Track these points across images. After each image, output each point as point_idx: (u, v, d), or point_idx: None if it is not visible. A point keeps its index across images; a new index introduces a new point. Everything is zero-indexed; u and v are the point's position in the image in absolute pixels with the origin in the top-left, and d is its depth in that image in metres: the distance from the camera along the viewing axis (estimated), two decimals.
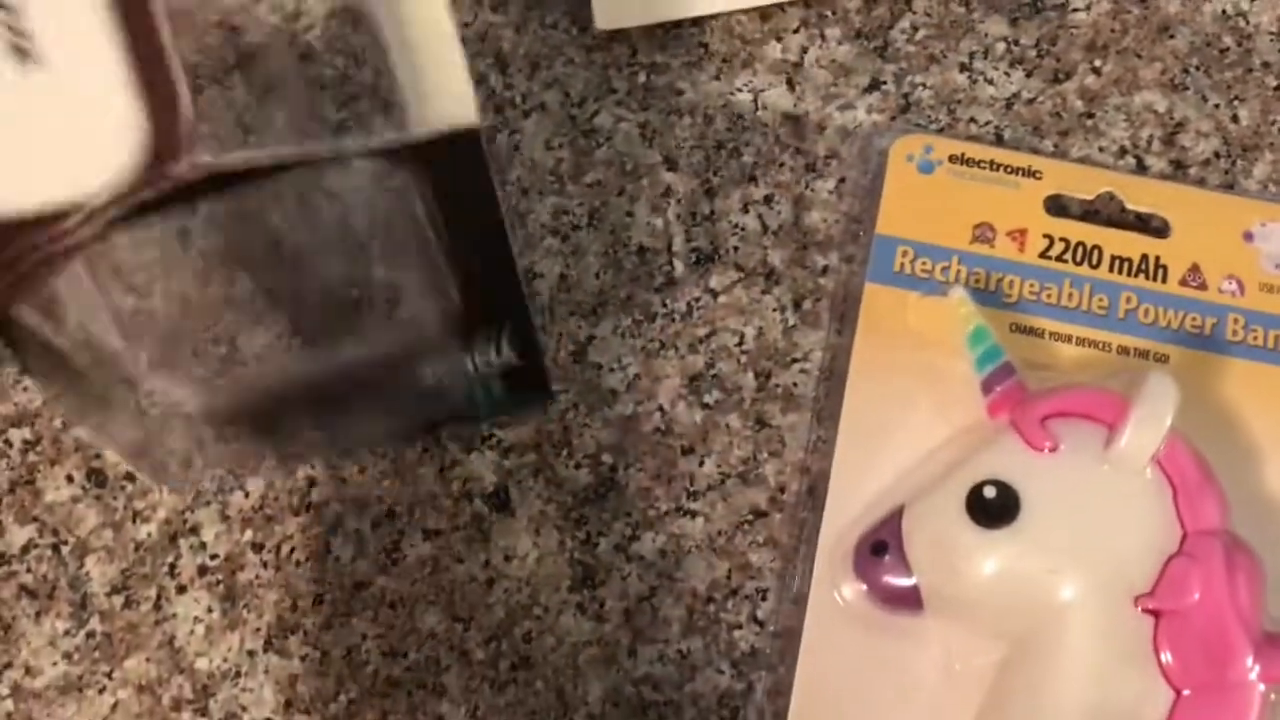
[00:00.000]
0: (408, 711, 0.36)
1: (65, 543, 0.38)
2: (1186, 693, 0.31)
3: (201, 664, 0.37)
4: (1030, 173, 0.39)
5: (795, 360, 0.38)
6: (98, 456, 0.38)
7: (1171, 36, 0.41)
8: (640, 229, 0.40)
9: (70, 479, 0.38)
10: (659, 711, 0.36)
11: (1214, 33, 0.41)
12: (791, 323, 0.39)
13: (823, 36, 0.41)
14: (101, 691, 0.37)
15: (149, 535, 0.38)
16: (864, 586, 0.34)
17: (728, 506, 0.37)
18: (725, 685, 0.36)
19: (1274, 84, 0.40)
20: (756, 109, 0.40)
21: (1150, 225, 0.39)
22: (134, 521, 0.38)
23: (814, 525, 0.36)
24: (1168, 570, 0.32)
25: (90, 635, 0.37)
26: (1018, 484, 0.33)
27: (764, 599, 0.37)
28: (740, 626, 0.37)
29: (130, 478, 0.38)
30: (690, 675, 0.36)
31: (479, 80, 0.40)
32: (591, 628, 0.37)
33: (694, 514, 0.37)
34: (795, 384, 0.38)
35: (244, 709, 0.37)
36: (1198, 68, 0.40)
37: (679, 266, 0.39)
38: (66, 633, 0.37)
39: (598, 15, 0.40)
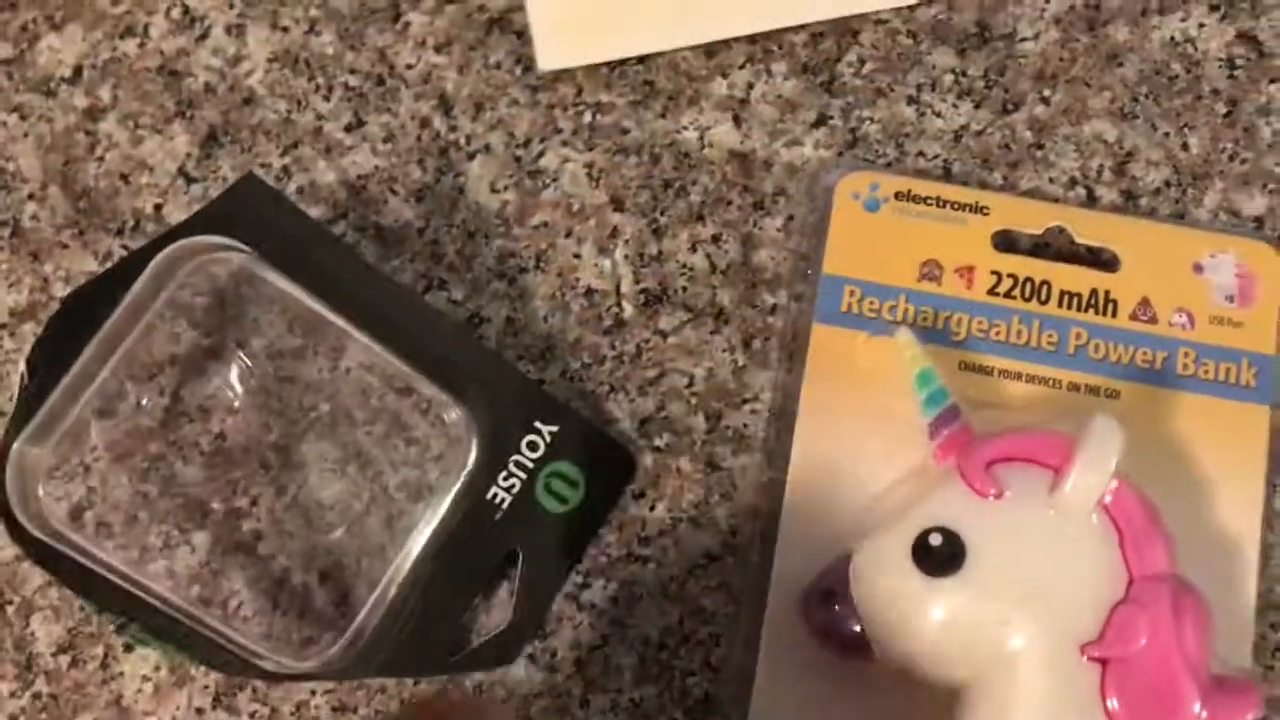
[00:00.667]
0: None
1: (10, 602, 0.37)
2: None
3: None
4: (978, 208, 0.39)
5: (745, 400, 0.38)
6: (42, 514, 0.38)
7: (1120, 65, 0.40)
8: (588, 270, 0.39)
9: None
10: None
11: (1163, 60, 0.40)
12: (741, 363, 0.38)
13: (769, 72, 0.40)
14: None
15: None
16: (814, 634, 0.34)
17: (679, 551, 0.37)
18: None
19: (1224, 111, 0.40)
20: (703, 147, 0.40)
21: (1100, 259, 0.38)
22: None
23: (766, 568, 0.36)
24: (1114, 617, 0.32)
25: (36, 696, 0.37)
26: (964, 531, 0.33)
27: (718, 644, 0.36)
28: (694, 673, 0.36)
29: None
30: None
31: (423, 123, 0.40)
32: (543, 678, 0.36)
33: (645, 560, 0.37)
34: (745, 425, 0.38)
35: None
36: (1147, 96, 0.40)
37: (628, 308, 0.39)
38: (12, 694, 0.37)
39: (540, 56, 0.40)
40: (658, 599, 0.37)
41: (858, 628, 0.33)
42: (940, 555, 0.32)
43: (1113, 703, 0.31)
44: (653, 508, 0.37)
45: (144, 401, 0.38)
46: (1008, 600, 0.32)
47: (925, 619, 0.32)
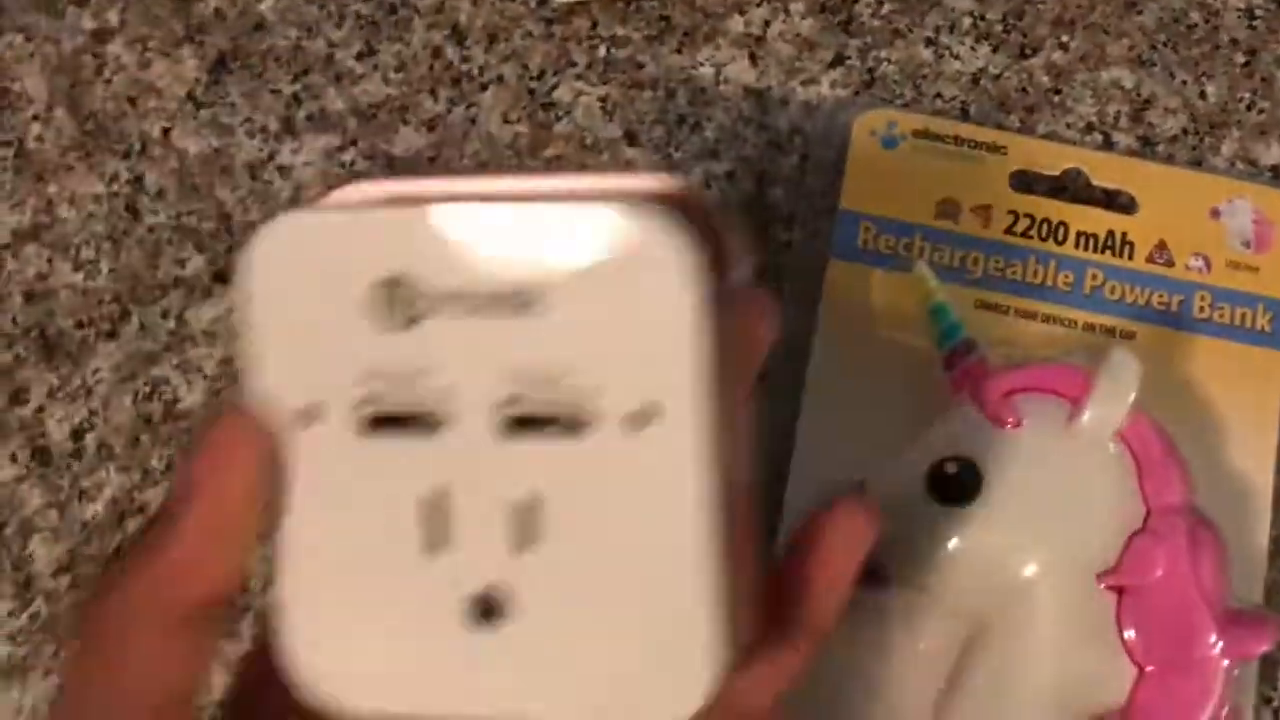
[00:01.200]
0: None
1: (9, 522, 0.37)
2: (1150, 669, 0.31)
3: None
4: (995, 148, 0.38)
5: None
6: (42, 435, 0.37)
7: (1139, 12, 0.40)
8: None
9: (14, 458, 0.37)
10: None
11: (1181, 9, 0.40)
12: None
13: (786, 11, 0.40)
14: (46, 674, 0.36)
15: (95, 515, 0.37)
16: None
17: None
18: None
19: (1241, 61, 0.40)
20: (719, 83, 0.40)
21: (1117, 202, 0.38)
22: (80, 501, 0.37)
23: (777, 503, 0.36)
24: (1131, 547, 0.32)
25: (34, 616, 0.36)
26: (980, 460, 0.33)
27: None
28: None
29: (76, 456, 0.37)
30: None
31: (435, 53, 0.40)
32: None
33: None
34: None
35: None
36: (1165, 44, 0.40)
37: None
38: (10, 614, 0.36)
39: None
40: None
41: (872, 557, 0.33)
42: (956, 484, 0.32)
43: (1129, 633, 0.31)
44: None
45: (149, 324, 0.38)
46: (1024, 529, 0.32)
47: (941, 549, 0.32)
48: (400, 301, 0.21)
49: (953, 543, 0.33)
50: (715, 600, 0.21)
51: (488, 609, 0.21)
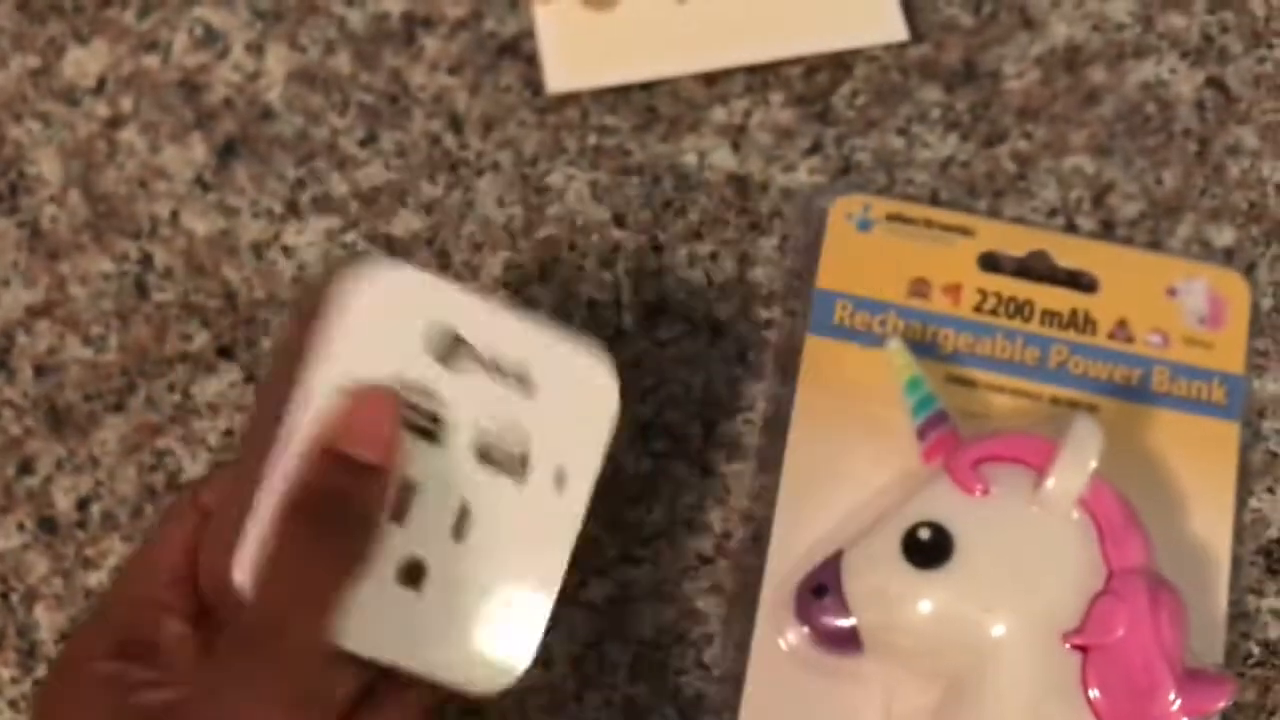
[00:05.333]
0: None
1: (14, 589, 0.38)
2: None
3: None
4: (964, 231, 0.41)
5: (740, 410, 0.39)
6: (49, 505, 0.39)
7: (1099, 104, 0.42)
8: (591, 282, 0.41)
9: (21, 527, 0.38)
10: None
11: (1138, 101, 0.43)
12: (736, 374, 0.40)
13: (766, 101, 0.42)
14: None
15: (99, 582, 0.38)
16: (805, 628, 0.35)
17: (674, 553, 0.38)
18: None
19: (1194, 150, 0.42)
20: (702, 170, 0.42)
21: (1080, 282, 0.40)
22: (84, 569, 0.38)
23: (758, 571, 0.37)
24: (1094, 608, 0.34)
25: (38, 683, 0.37)
26: (951, 526, 0.34)
27: (709, 644, 0.37)
28: (686, 672, 0.37)
29: (81, 525, 0.38)
30: None
31: (433, 140, 0.42)
32: (539, 674, 0.37)
33: (640, 561, 0.38)
34: (740, 433, 0.39)
35: None
36: (1124, 134, 0.42)
37: (628, 319, 0.40)
38: (13, 680, 0.37)
39: (549, 78, 0.42)
40: (652, 599, 0.38)
41: (848, 621, 0.34)
42: (929, 548, 0.34)
43: (1093, 692, 0.32)
44: (649, 511, 0.38)
45: (155, 397, 0.39)
46: (993, 591, 0.34)
47: (914, 610, 0.34)
48: (449, 345, 0.30)
49: (926, 605, 0.34)
50: (545, 616, 0.31)
51: (412, 575, 0.30)
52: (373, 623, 0.29)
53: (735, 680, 0.36)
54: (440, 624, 0.30)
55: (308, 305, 0.30)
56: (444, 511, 0.29)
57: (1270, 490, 0.39)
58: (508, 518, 0.30)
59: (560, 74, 0.42)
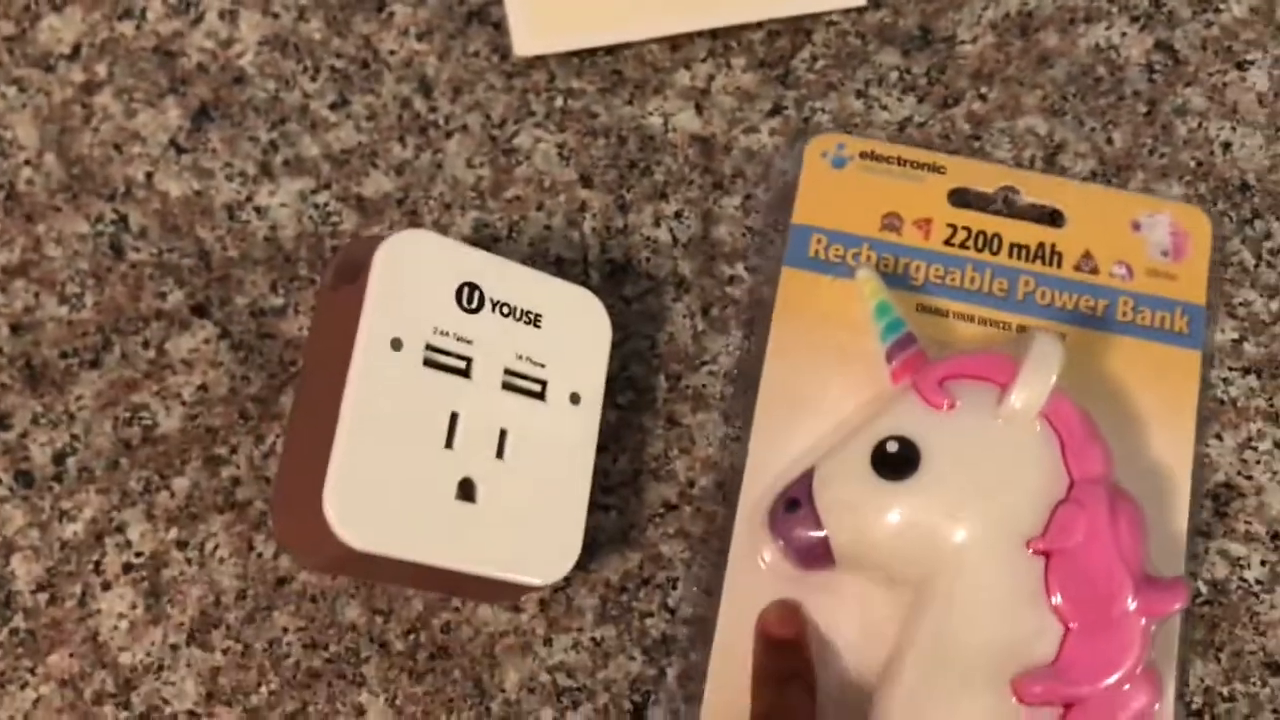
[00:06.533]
0: (328, 700, 0.37)
1: None
2: (1075, 627, 0.34)
3: (124, 658, 0.38)
4: (935, 168, 0.42)
5: (703, 363, 0.40)
6: (26, 459, 0.39)
7: (1051, 67, 0.44)
8: (558, 241, 0.42)
9: None
10: (573, 697, 0.37)
11: (1089, 64, 0.44)
12: (700, 328, 0.41)
13: (729, 65, 0.43)
14: (23, 687, 0.37)
15: (75, 534, 0.39)
16: (779, 542, 0.36)
17: (639, 500, 0.39)
18: (637, 671, 0.38)
19: (1143, 110, 0.43)
20: (667, 131, 0.43)
21: (1047, 216, 0.41)
22: (60, 521, 0.39)
23: (723, 516, 0.38)
24: (1056, 515, 0.35)
25: (14, 632, 0.38)
26: (919, 439, 0.36)
27: (674, 588, 0.38)
28: (652, 614, 0.38)
29: (58, 479, 0.39)
30: (603, 662, 0.38)
31: (404, 104, 0.43)
32: (508, 618, 0.38)
33: (608, 508, 0.39)
34: (704, 385, 0.40)
35: (166, 702, 0.37)
36: (1075, 95, 0.43)
37: (594, 276, 0.41)
38: None
39: (516, 42, 0.43)
40: (618, 544, 0.39)
41: (820, 534, 0.36)
42: (897, 460, 0.35)
43: (1055, 596, 0.34)
44: (615, 460, 0.39)
45: (130, 354, 0.40)
46: (959, 500, 0.35)
47: (884, 520, 0.35)
48: (472, 296, 0.35)
49: (895, 515, 0.35)
50: (583, 513, 0.36)
51: (467, 492, 0.34)
52: (443, 536, 0.34)
53: (702, 623, 0.37)
54: (498, 529, 0.34)
55: (337, 276, 0.35)
56: (486, 435, 0.34)
57: (1218, 436, 0.40)
58: (538, 435, 0.35)
59: (527, 38, 0.43)
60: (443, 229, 0.41)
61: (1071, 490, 0.35)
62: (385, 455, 0.33)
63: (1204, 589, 0.38)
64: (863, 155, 0.42)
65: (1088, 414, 0.36)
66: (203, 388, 0.40)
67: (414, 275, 0.34)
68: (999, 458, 0.35)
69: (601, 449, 0.39)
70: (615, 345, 0.40)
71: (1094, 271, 0.41)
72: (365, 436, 0.33)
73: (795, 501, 0.36)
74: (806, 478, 0.36)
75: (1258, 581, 0.38)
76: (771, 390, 0.39)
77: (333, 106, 0.43)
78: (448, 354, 0.34)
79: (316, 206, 0.42)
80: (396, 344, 0.34)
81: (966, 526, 0.35)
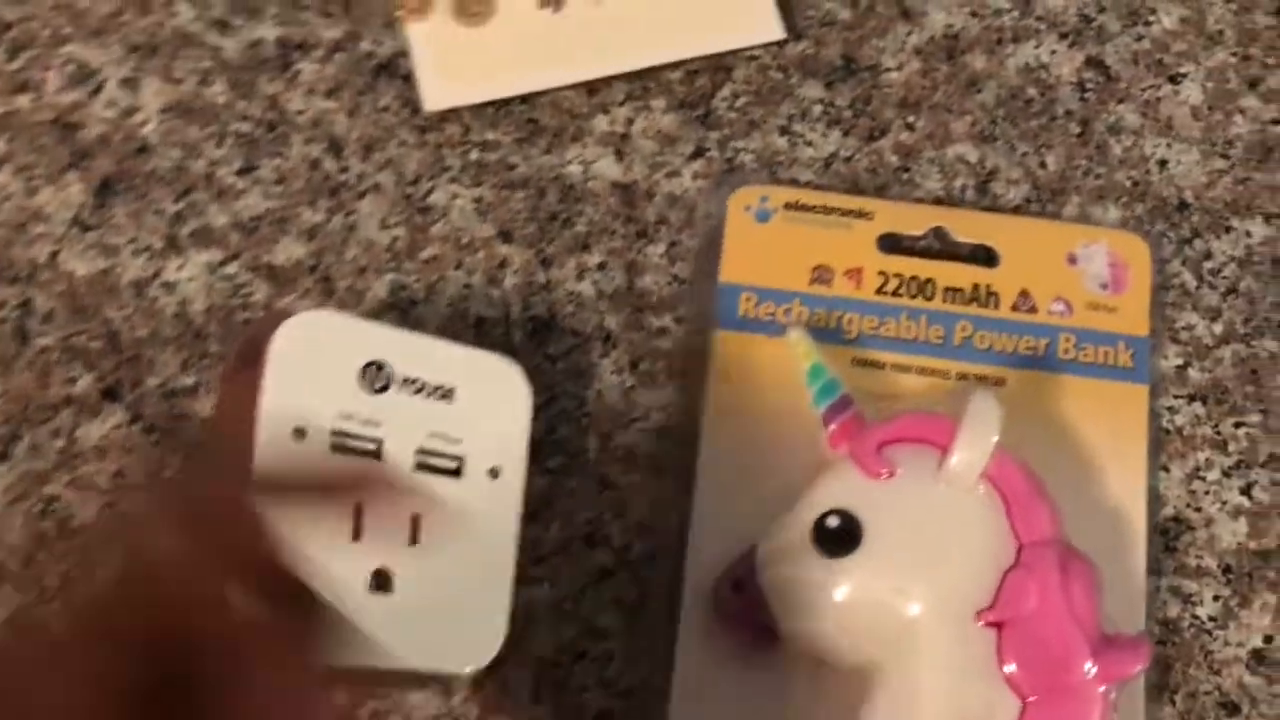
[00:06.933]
0: None
1: None
2: (1032, 699, 0.33)
3: None
4: (862, 214, 0.41)
5: (635, 420, 0.39)
6: None
7: (979, 91, 0.43)
8: (478, 301, 0.40)
9: None
10: None
11: (1018, 85, 0.43)
12: (630, 384, 0.40)
13: (648, 108, 0.42)
14: None
15: None
16: (727, 624, 0.35)
17: (573, 570, 0.38)
18: None
19: (1076, 131, 0.42)
20: (587, 180, 0.41)
21: (980, 255, 0.40)
22: None
23: (660, 582, 0.37)
24: (1006, 583, 0.34)
25: None
26: (859, 512, 0.34)
27: (612, 660, 0.37)
28: (588, 689, 0.37)
29: None
30: None
31: (313, 165, 0.41)
32: (439, 703, 0.37)
33: (539, 580, 0.38)
34: (636, 443, 0.39)
35: None
36: (1005, 119, 0.42)
37: (517, 335, 0.40)
38: None
39: (426, 97, 0.41)
40: (552, 618, 0.37)
41: (766, 616, 0.34)
42: (838, 535, 0.34)
43: (1010, 666, 0.33)
44: (546, 528, 0.38)
45: (40, 444, 0.39)
46: (905, 573, 0.34)
47: (830, 598, 0.34)
48: (377, 376, 0.33)
49: (840, 592, 0.34)
50: (509, 593, 0.34)
51: (381, 584, 0.33)
52: (357, 634, 0.32)
53: (642, 692, 0.36)
54: (417, 619, 0.33)
55: (239, 359, 0.34)
56: (398, 522, 0.33)
57: (1165, 468, 0.39)
58: (455, 516, 0.34)
59: (437, 91, 0.42)
60: (358, 294, 0.40)
61: (1020, 555, 0.34)
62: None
63: (1156, 629, 0.37)
64: (787, 206, 0.40)
65: (1032, 471, 0.35)
66: (118, 474, 0.39)
67: (315, 358, 0.33)
68: (943, 527, 0.34)
69: (531, 517, 0.38)
70: (542, 406, 0.39)
71: (1032, 310, 0.39)
72: None
73: (739, 583, 0.35)
74: (749, 557, 0.35)
75: (1210, 618, 0.37)
76: (713, 456, 0.38)
77: (240, 172, 0.41)
78: (355, 438, 0.33)
79: (226, 279, 0.40)
80: (299, 433, 0.32)
81: (914, 601, 0.33)
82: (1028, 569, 0.33)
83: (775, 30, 0.42)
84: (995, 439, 0.34)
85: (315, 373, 0.33)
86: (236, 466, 0.32)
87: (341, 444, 0.33)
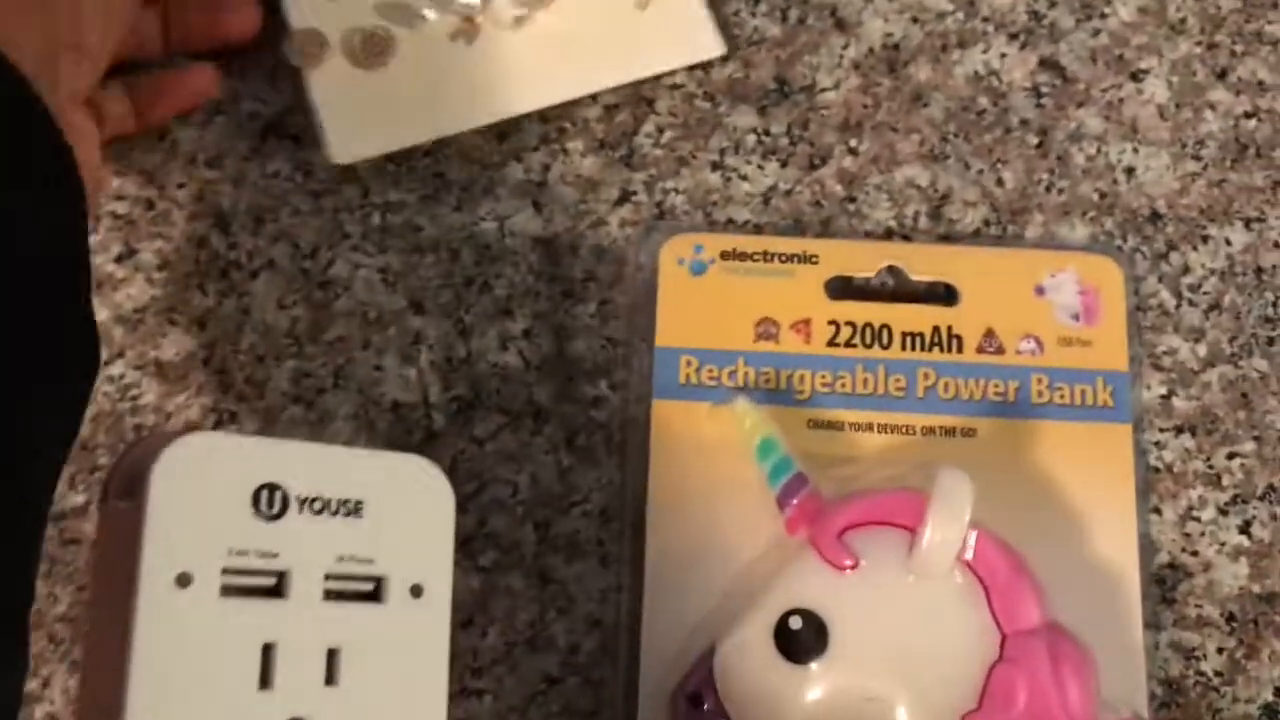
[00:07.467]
0: None
1: None
2: None
3: None
4: (806, 258, 0.37)
5: (575, 504, 0.36)
6: None
7: (926, 105, 0.39)
8: (392, 383, 0.36)
9: None
10: None
11: (969, 96, 0.39)
12: (566, 463, 0.36)
13: (564, 151, 0.38)
14: None
15: None
16: None
17: (517, 679, 0.34)
18: None
19: (1034, 142, 0.38)
20: (504, 236, 0.38)
21: (938, 294, 0.37)
22: None
23: (613, 683, 0.34)
24: (992, 679, 0.31)
25: None
26: (823, 610, 0.31)
27: None
28: None
29: None
30: None
31: (200, 244, 0.37)
32: None
33: (479, 693, 0.34)
34: (578, 530, 0.35)
35: None
36: (956, 135, 0.39)
37: (438, 419, 0.36)
38: None
39: (334, 149, 0.37)
40: None
41: None
42: (802, 639, 0.31)
43: None
44: (484, 634, 0.34)
45: None
46: (878, 677, 0.31)
47: (796, 709, 0.31)
48: (274, 499, 0.29)
49: (808, 702, 0.31)
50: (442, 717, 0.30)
51: None
52: None
53: None
54: None
55: (115, 492, 0.29)
56: (310, 662, 0.29)
57: (1157, 510, 0.36)
58: (376, 645, 0.30)
59: (343, 143, 0.37)
60: (257, 386, 0.36)
61: (1005, 647, 0.30)
62: (191, 715, 0.28)
63: (1159, 691, 0.34)
64: (724, 255, 0.37)
65: (1011, 551, 0.32)
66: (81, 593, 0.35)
67: (199, 490, 0.29)
68: (917, 622, 0.31)
69: (466, 624, 0.34)
70: (471, 496, 0.35)
71: (999, 351, 0.36)
72: (160, 704, 0.27)
73: (697, 695, 0.31)
74: (706, 663, 0.32)
75: (1216, 673, 0.34)
76: (661, 540, 0.34)
77: (118, 259, 0.37)
78: (251, 574, 0.29)
79: (111, 380, 0.36)
80: (184, 579, 0.28)
81: (891, 707, 0.30)
82: (1014, 663, 0.30)
83: (714, 45, 0.38)
84: (967, 520, 0.31)
85: (200, 506, 0.29)
86: (119, 621, 0.28)
87: (234, 584, 0.29)
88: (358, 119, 0.38)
